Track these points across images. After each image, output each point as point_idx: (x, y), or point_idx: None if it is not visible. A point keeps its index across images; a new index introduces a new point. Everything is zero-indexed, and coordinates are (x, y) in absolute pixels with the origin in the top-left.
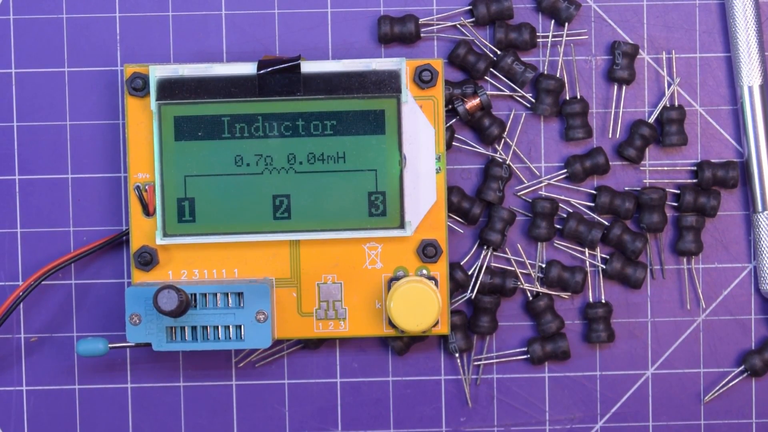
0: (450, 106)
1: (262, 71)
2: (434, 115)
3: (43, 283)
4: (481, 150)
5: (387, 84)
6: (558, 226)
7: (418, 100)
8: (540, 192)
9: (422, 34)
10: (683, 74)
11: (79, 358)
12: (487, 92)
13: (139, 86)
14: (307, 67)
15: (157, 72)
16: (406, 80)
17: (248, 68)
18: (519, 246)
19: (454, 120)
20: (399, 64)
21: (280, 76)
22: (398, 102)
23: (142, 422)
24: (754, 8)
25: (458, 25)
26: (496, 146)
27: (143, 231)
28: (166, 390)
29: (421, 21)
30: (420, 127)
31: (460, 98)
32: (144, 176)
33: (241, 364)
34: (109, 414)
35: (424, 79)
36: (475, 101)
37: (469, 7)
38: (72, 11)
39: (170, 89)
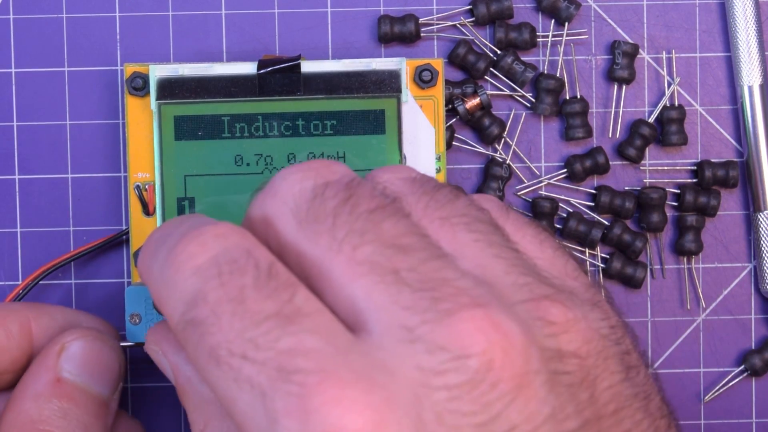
0: (450, 106)
1: (262, 71)
2: (434, 115)
3: (42, 282)
4: (481, 150)
5: (387, 84)
6: (558, 226)
7: (418, 100)
8: (540, 192)
9: (422, 34)
10: (683, 74)
11: None
12: (487, 92)
13: (139, 86)
14: (307, 66)
15: (157, 71)
16: (406, 80)
17: (248, 68)
18: None
19: (454, 120)
20: (399, 63)
21: (280, 76)
22: (398, 102)
23: (142, 422)
24: (754, 8)
25: (458, 25)
26: (496, 146)
27: (143, 230)
28: (166, 390)
29: (421, 21)
30: (420, 127)
31: (460, 98)
32: (144, 176)
33: None
34: None
35: (424, 78)
36: (475, 101)
37: (469, 7)
38: (72, 11)
39: (170, 89)
